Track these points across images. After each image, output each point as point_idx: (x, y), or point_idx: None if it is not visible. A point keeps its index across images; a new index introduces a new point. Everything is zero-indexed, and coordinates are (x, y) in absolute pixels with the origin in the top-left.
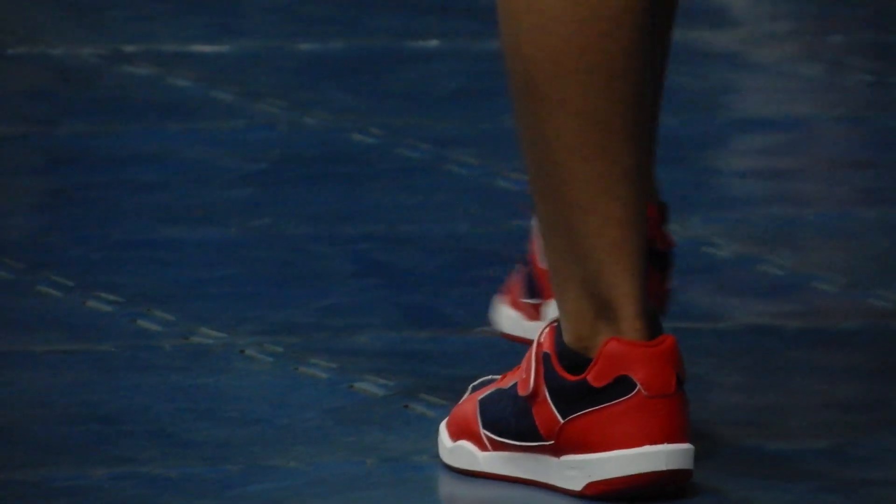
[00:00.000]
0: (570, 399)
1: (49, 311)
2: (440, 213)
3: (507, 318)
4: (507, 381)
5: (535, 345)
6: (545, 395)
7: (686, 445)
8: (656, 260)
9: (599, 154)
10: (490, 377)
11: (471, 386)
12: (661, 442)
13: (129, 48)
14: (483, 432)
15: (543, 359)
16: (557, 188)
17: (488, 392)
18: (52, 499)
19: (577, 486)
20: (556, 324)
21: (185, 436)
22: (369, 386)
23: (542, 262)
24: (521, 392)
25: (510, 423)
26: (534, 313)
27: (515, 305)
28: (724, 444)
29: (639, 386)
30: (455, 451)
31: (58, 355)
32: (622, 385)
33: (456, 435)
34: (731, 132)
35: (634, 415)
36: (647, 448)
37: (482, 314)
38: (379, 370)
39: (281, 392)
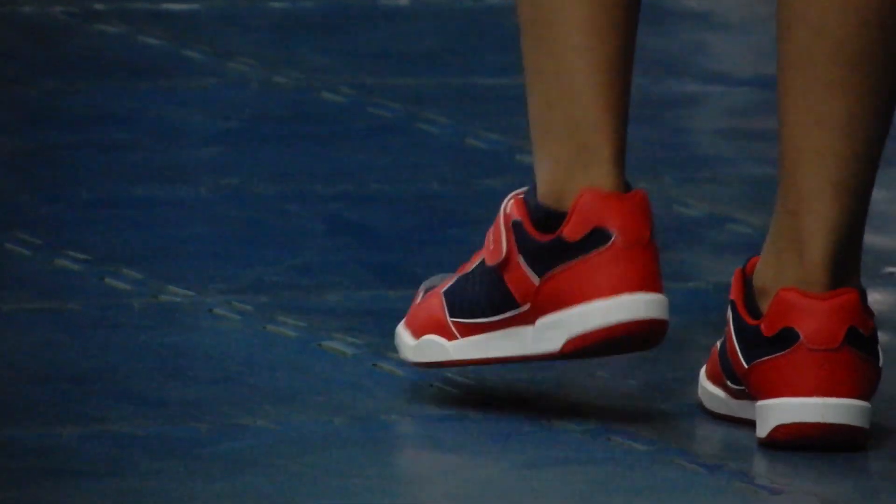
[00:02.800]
0: (546, 258)
1: (17, 270)
2: (411, 172)
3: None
4: (467, 268)
5: (501, 216)
6: (518, 261)
7: (659, 295)
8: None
9: None
10: (440, 275)
11: (422, 287)
12: (639, 290)
13: (99, 6)
14: (451, 322)
15: (514, 226)
16: (552, 31)
17: (451, 283)
18: (20, 458)
19: (557, 345)
20: (521, 196)
21: (153, 395)
22: (338, 345)
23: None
24: (492, 262)
25: (480, 300)
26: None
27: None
28: (695, 402)
29: (615, 235)
30: (421, 346)
31: (25, 314)
32: (598, 236)
33: (419, 331)
34: (701, 91)
35: (611, 265)
36: (626, 296)
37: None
38: (348, 329)
39: (250, 351)
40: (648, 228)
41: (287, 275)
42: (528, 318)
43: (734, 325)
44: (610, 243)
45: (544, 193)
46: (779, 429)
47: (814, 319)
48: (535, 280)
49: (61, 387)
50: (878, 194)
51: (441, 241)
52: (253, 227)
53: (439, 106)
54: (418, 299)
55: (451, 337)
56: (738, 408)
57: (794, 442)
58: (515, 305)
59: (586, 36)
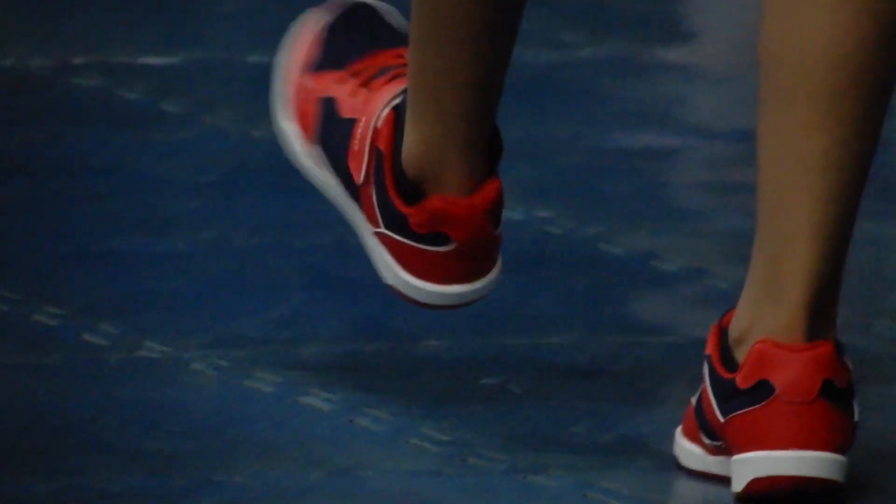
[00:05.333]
0: (391, 220)
1: None
2: None
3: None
4: (344, 102)
5: (371, 126)
6: (371, 193)
7: (487, 282)
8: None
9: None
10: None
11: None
12: (463, 283)
13: (78, 60)
14: (312, 142)
15: (377, 157)
16: (446, 26)
17: (327, 111)
18: None
19: (387, 280)
20: (394, 112)
21: (130, 449)
22: (315, 400)
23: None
24: (354, 173)
25: (339, 163)
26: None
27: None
28: (671, 457)
29: (454, 244)
30: (289, 136)
31: (3, 368)
32: (439, 238)
33: (292, 116)
34: (680, 144)
35: (445, 262)
36: (457, 286)
37: (429, 327)
38: (325, 384)
39: (227, 406)
40: (487, 228)
41: (265, 329)
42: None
43: (710, 379)
44: (446, 247)
45: (408, 160)
46: (754, 482)
47: (789, 371)
48: (380, 223)
49: (38, 440)
50: None
51: None
52: (231, 281)
53: None
54: (304, 39)
55: (308, 156)
56: (714, 464)
57: (770, 496)
58: (363, 217)
59: (473, 35)
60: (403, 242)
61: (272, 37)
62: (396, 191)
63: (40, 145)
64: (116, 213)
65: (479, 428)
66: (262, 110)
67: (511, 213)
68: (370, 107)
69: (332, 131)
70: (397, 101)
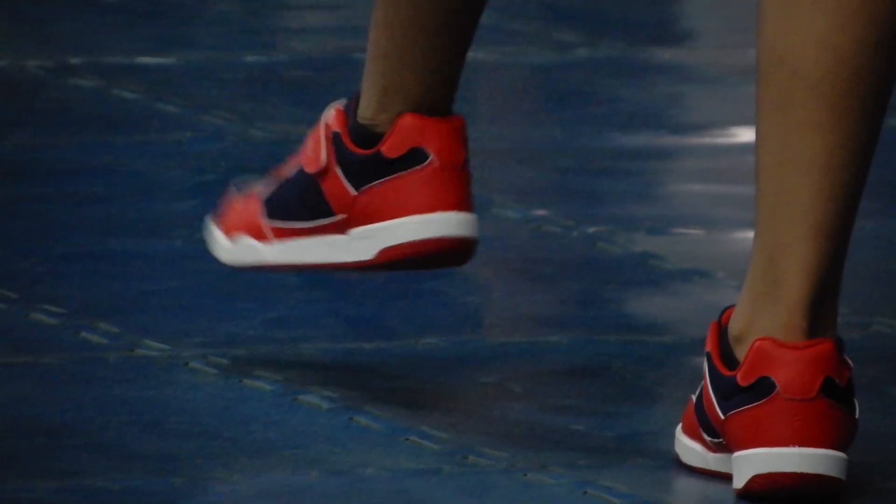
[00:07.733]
0: (363, 172)
1: None
2: None
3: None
4: (283, 174)
5: (322, 126)
6: (336, 171)
7: (472, 215)
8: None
9: None
10: (247, 179)
11: (233, 186)
12: (452, 209)
13: (74, 60)
14: (266, 224)
15: (333, 137)
16: None
17: (270, 187)
18: None
19: (369, 254)
20: (342, 107)
21: (129, 448)
22: (314, 398)
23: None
24: (311, 169)
25: (297, 205)
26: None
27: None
28: (670, 455)
29: (431, 156)
30: (235, 247)
31: (1, 368)
32: (415, 156)
33: (233, 230)
34: (676, 144)
35: (427, 184)
36: (439, 214)
37: (427, 327)
38: (324, 383)
39: (225, 405)
40: (463, 153)
41: (263, 328)
42: (341, 228)
43: (710, 376)
44: (427, 163)
45: (364, 113)
46: (755, 479)
47: (790, 369)
48: (352, 191)
49: (36, 441)
50: None
51: (416, 293)
52: (228, 281)
53: None
54: (231, 198)
55: (264, 239)
56: (714, 461)
57: (771, 492)
58: (331, 214)
59: None
60: (380, 184)
61: (267, 36)
62: (358, 146)
63: (36, 146)
64: (114, 213)
65: (478, 426)
66: (258, 110)
67: (508, 213)
68: (315, 135)
69: (277, 189)
70: (340, 106)
